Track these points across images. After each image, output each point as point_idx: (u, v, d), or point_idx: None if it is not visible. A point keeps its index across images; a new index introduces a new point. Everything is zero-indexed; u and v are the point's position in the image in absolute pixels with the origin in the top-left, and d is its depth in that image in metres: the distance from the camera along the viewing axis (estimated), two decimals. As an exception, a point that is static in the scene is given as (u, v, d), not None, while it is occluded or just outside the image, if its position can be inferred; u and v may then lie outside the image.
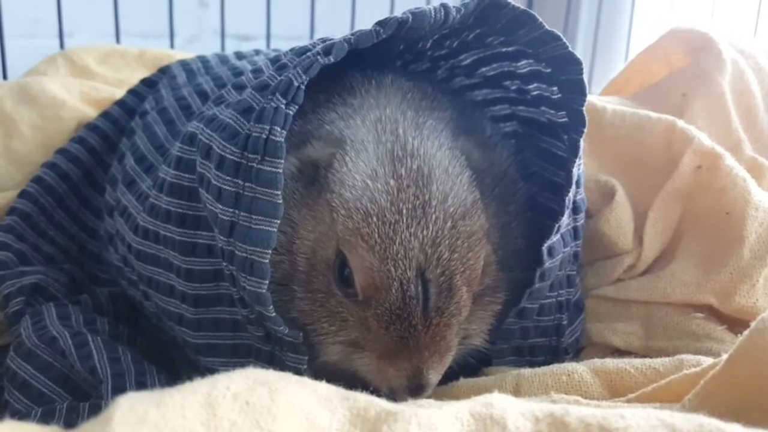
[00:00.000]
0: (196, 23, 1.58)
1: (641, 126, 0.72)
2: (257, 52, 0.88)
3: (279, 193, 0.53)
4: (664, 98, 0.79)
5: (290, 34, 1.56)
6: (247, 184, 0.54)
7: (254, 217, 0.53)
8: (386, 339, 0.55)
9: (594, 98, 0.76)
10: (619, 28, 1.50)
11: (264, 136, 0.53)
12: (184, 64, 0.86)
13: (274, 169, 0.53)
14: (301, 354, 0.56)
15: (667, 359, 0.56)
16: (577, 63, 0.59)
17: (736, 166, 0.66)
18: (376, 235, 0.54)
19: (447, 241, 0.55)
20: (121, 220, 0.69)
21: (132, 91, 0.90)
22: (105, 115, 0.89)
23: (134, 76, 1.00)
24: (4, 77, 1.12)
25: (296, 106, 0.54)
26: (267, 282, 0.53)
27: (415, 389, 0.55)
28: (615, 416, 0.40)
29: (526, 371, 0.58)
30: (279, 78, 0.55)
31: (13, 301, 0.72)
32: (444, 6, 0.56)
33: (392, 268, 0.53)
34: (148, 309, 0.68)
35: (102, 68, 1.03)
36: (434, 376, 0.56)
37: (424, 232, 0.54)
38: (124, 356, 0.64)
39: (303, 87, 0.54)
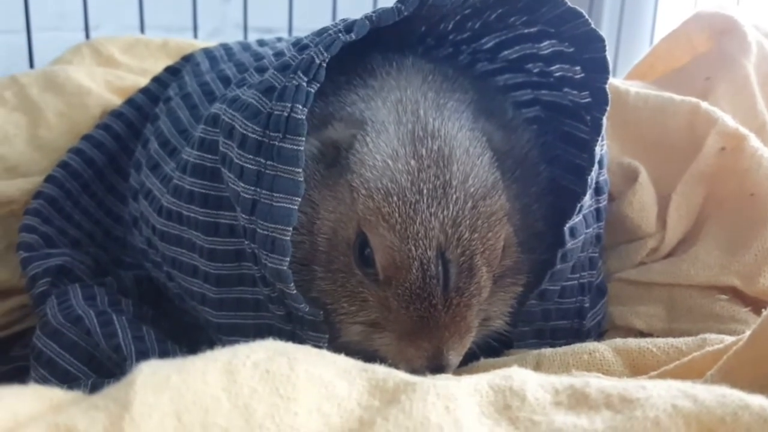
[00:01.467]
0: (219, 17, 1.59)
1: (665, 108, 0.71)
2: (279, 39, 0.89)
3: (300, 170, 0.53)
4: (687, 82, 0.78)
5: (312, 27, 1.55)
6: (269, 162, 0.54)
7: (275, 195, 0.54)
8: (406, 319, 0.55)
9: (617, 81, 0.76)
10: (643, 13, 1.49)
11: (285, 114, 0.54)
12: (207, 52, 0.87)
13: (295, 147, 0.53)
14: (322, 332, 0.57)
15: (690, 339, 0.56)
16: (601, 40, 0.59)
17: (760, 147, 0.65)
18: (397, 215, 0.54)
19: (467, 221, 0.54)
20: (145, 202, 0.70)
21: (156, 79, 0.90)
22: (129, 102, 0.90)
23: (158, 66, 1.01)
24: (31, 68, 1.14)
25: (317, 84, 0.54)
26: (288, 259, 0.53)
27: (435, 369, 0.54)
28: (636, 387, 0.40)
29: (547, 351, 0.58)
30: (300, 57, 0.56)
31: (40, 282, 0.73)
32: None
33: (413, 248, 0.53)
34: (171, 290, 0.69)
35: (126, 57, 1.04)
36: (455, 357, 0.56)
37: (445, 212, 0.54)
38: (148, 335, 0.65)
39: (324, 64, 0.54)
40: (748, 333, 0.47)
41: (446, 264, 0.54)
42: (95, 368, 0.65)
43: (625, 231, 0.70)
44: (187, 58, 0.89)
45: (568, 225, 0.59)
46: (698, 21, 0.83)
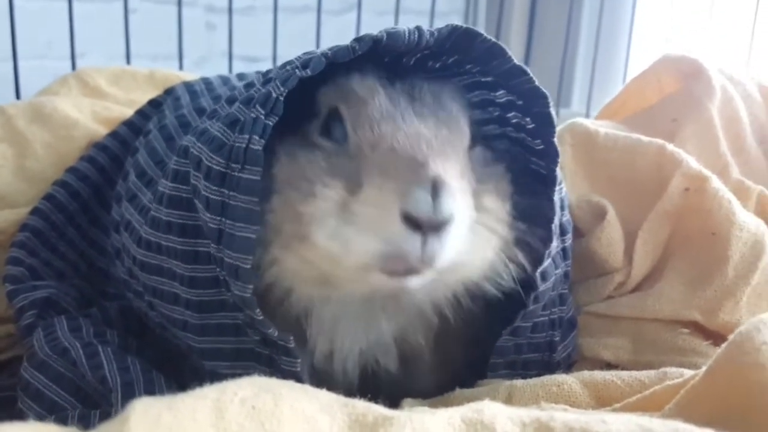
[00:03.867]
0: (205, 46, 1.63)
1: (633, 149, 0.75)
2: (259, 73, 0.91)
3: (257, 200, 0.55)
4: (656, 123, 0.82)
5: (295, 56, 1.61)
6: (231, 192, 0.56)
7: (237, 224, 0.56)
8: (383, 147, 0.54)
9: (587, 122, 0.79)
10: (617, 50, 1.54)
11: (244, 146, 0.56)
12: (188, 86, 0.88)
13: (253, 177, 0.55)
14: (293, 357, 0.58)
15: (652, 372, 0.59)
16: (544, 97, 0.61)
17: (721, 189, 0.69)
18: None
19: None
20: (125, 234, 0.72)
21: (139, 112, 0.93)
22: (113, 134, 0.92)
23: (144, 96, 1.03)
24: (17, 97, 1.15)
25: (276, 117, 0.56)
26: (251, 287, 0.55)
27: (434, 192, 0.50)
28: (597, 421, 0.43)
29: (519, 382, 0.61)
30: (263, 90, 0.58)
31: (26, 314, 0.74)
32: (418, 28, 0.59)
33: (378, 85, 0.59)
34: (153, 319, 0.70)
35: (113, 88, 1.07)
36: (451, 180, 0.51)
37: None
38: (133, 366, 0.67)
39: (281, 98, 0.56)
40: (703, 369, 0.50)
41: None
42: (82, 399, 0.66)
43: (593, 266, 0.74)
44: (169, 92, 0.91)
45: (539, 270, 0.62)
46: (667, 63, 0.87)
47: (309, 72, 0.56)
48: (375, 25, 1.66)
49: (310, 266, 0.56)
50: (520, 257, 0.60)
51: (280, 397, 0.43)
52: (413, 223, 0.50)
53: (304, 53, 0.60)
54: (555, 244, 0.63)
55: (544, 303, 0.65)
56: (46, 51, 1.37)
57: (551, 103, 0.61)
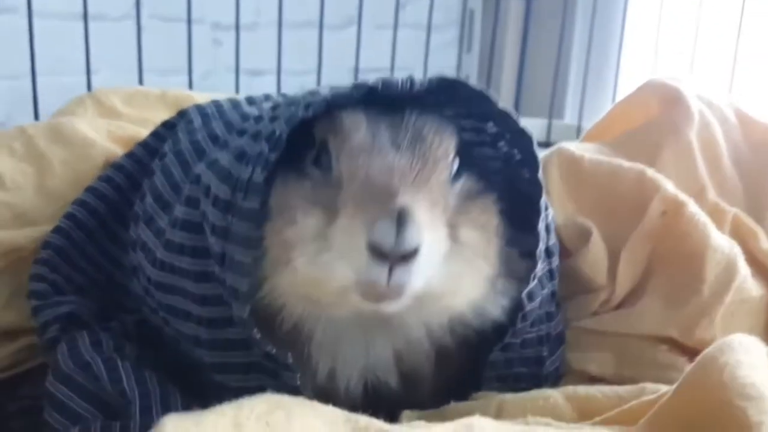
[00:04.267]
0: (211, 60, 1.68)
1: (615, 173, 0.80)
2: (267, 97, 0.94)
3: (255, 226, 0.60)
4: (639, 146, 0.87)
5: (298, 69, 1.66)
6: (233, 219, 0.61)
7: (237, 248, 0.61)
8: (359, 178, 0.58)
9: (573, 147, 0.84)
10: (607, 69, 1.60)
11: (247, 177, 0.61)
12: (200, 109, 0.92)
13: (253, 205, 0.60)
14: (292, 371, 0.63)
15: (631, 387, 0.64)
16: (529, 137, 0.66)
17: (697, 212, 0.74)
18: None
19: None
20: (141, 254, 0.77)
21: (154, 133, 0.96)
22: (129, 155, 0.96)
23: (156, 115, 1.09)
24: (35, 113, 1.21)
25: (277, 152, 0.61)
26: (248, 308, 0.60)
27: (399, 216, 0.53)
28: (573, 435, 0.48)
29: (509, 396, 0.66)
30: (269, 127, 0.63)
31: (50, 329, 0.79)
32: (410, 78, 0.64)
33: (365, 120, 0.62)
34: (168, 334, 0.75)
35: (127, 108, 1.11)
36: (418, 211, 0.54)
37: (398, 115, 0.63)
38: (150, 379, 0.72)
39: (284, 136, 0.61)
40: (674, 386, 0.55)
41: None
42: (103, 410, 0.71)
43: (580, 283, 0.79)
44: (182, 114, 0.94)
45: (525, 291, 0.66)
46: (650, 89, 0.92)
47: (310, 113, 0.62)
48: (374, 38, 1.72)
49: (297, 288, 0.60)
50: (507, 287, 0.65)
51: (291, 414, 0.48)
52: (379, 253, 0.53)
53: (309, 92, 0.66)
54: (540, 267, 0.69)
55: (532, 321, 0.70)
56: (60, 67, 1.42)
57: (535, 144, 0.66)
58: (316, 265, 0.57)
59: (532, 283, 0.67)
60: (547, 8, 1.78)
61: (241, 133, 0.70)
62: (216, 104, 0.93)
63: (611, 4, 1.67)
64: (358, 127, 0.62)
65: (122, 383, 0.70)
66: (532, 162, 0.67)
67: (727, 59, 1.33)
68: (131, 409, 0.68)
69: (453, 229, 0.60)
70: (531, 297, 0.68)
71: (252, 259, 0.60)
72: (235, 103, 0.93)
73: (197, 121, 0.89)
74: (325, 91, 0.64)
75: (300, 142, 0.63)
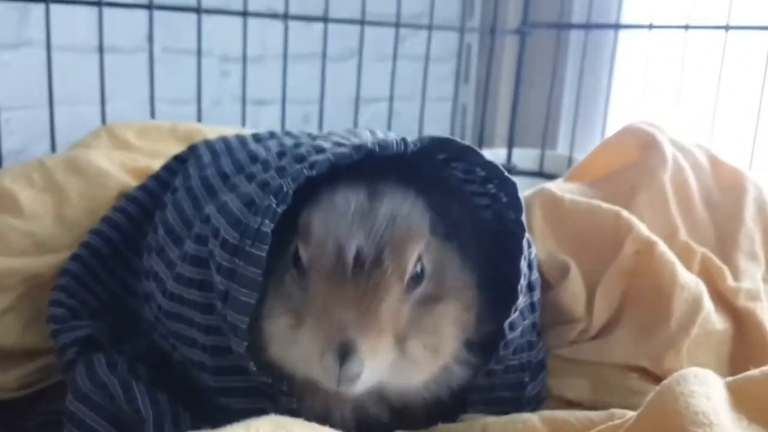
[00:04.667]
0: (219, 91, 1.74)
1: (593, 214, 0.87)
2: (272, 135, 0.99)
3: (260, 271, 0.66)
4: (617, 188, 0.93)
5: (303, 99, 1.73)
6: (240, 262, 0.67)
7: (242, 289, 0.67)
8: (320, 298, 0.64)
9: (555, 188, 0.91)
10: (597, 104, 1.67)
11: (256, 227, 0.67)
12: (209, 145, 0.97)
13: (260, 253, 0.66)
14: (289, 396, 0.70)
15: (602, 412, 0.70)
16: (514, 185, 0.73)
17: (666, 252, 0.81)
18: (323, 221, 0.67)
19: (382, 228, 0.66)
20: (153, 283, 0.82)
21: (165, 167, 1.02)
22: (142, 187, 1.01)
23: (167, 147, 1.15)
24: (53, 143, 1.27)
25: (284, 206, 0.68)
26: (246, 344, 0.66)
27: (342, 353, 0.60)
28: (542, 458, 0.54)
29: (492, 419, 0.71)
30: (277, 180, 0.70)
31: (68, 351, 0.84)
32: (404, 139, 0.71)
33: (330, 237, 0.66)
34: (176, 359, 0.80)
35: (140, 141, 1.18)
36: (364, 343, 0.61)
37: (366, 222, 0.66)
38: (162, 400, 0.77)
39: (291, 191, 0.68)
40: (636, 413, 0.61)
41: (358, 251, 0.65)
42: (119, 427, 0.76)
43: (559, 315, 0.85)
44: (192, 149, 1.00)
45: (507, 322, 0.72)
46: (628, 134, 0.99)
47: (314, 172, 0.69)
48: (375, 69, 1.79)
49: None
50: (470, 356, 0.73)
51: (293, 434, 0.55)
52: None
53: (314, 144, 0.72)
54: (522, 300, 0.75)
55: (514, 348, 0.76)
56: (76, 98, 1.49)
57: (519, 191, 0.73)
58: (287, 355, 0.67)
59: (514, 315, 0.73)
60: (540, 44, 1.85)
61: (250, 177, 0.76)
62: (224, 141, 0.99)
63: (601, 42, 1.75)
64: (322, 245, 0.66)
65: (137, 402, 0.75)
66: (516, 206, 0.74)
67: (711, 94, 1.39)
68: (145, 428, 0.74)
69: (401, 342, 0.65)
70: (512, 327, 0.74)
71: (254, 301, 0.67)
72: (242, 140, 0.98)
73: (206, 157, 0.95)
74: (329, 148, 0.71)
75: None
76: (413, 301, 0.67)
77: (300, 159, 0.72)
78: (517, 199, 0.73)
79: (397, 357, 0.65)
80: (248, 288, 0.67)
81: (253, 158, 0.86)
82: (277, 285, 0.69)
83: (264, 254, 0.67)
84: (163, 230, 0.86)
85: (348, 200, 0.68)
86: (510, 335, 0.74)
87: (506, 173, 0.73)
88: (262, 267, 0.67)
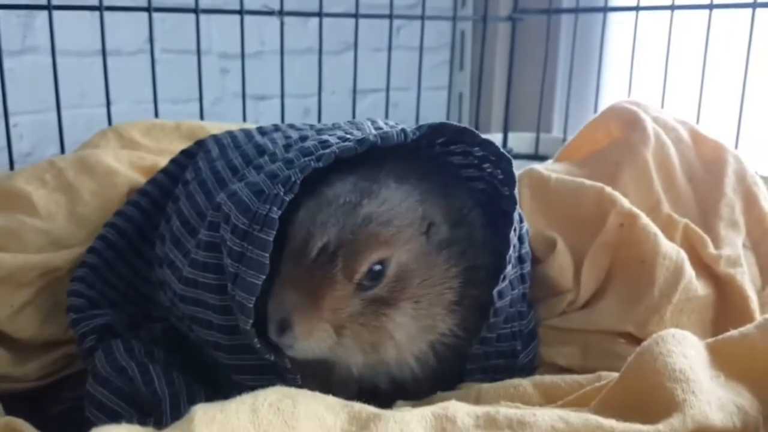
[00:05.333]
0: (220, 88, 1.78)
1: (578, 191, 0.91)
2: (276, 128, 1.02)
3: (267, 254, 0.71)
4: (602, 165, 0.98)
5: (301, 93, 1.77)
6: (249, 246, 0.72)
7: (249, 271, 0.71)
8: (280, 277, 0.72)
9: (542, 168, 0.96)
10: (589, 86, 1.70)
11: (264, 213, 0.72)
12: (216, 140, 1.01)
13: (267, 237, 0.71)
14: (293, 374, 0.74)
15: (590, 375, 0.74)
16: (509, 160, 0.78)
17: (648, 224, 0.85)
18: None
19: (347, 227, 0.72)
20: (168, 271, 0.86)
21: (174, 161, 1.06)
22: (152, 181, 1.05)
23: (172, 145, 1.19)
24: (61, 144, 1.32)
25: (292, 195, 0.73)
26: (251, 321, 0.71)
27: (279, 326, 0.71)
28: (529, 414, 0.59)
29: (486, 385, 0.76)
30: (285, 171, 0.74)
31: (88, 339, 0.88)
32: (404, 129, 0.76)
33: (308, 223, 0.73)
34: (192, 340, 0.84)
35: (145, 140, 1.22)
36: (299, 322, 0.71)
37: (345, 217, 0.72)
38: (177, 380, 0.81)
39: (299, 181, 0.73)
40: (618, 374, 0.66)
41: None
42: (137, 408, 0.80)
43: (549, 287, 0.89)
44: (200, 144, 1.04)
45: (495, 290, 0.77)
46: (613, 113, 1.03)
47: (321, 164, 0.73)
48: (371, 60, 1.82)
49: None
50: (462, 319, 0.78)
51: (297, 401, 0.59)
52: None
53: (320, 140, 0.77)
54: (510, 270, 0.79)
55: (505, 318, 0.80)
56: (81, 101, 1.53)
57: (513, 165, 0.77)
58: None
59: (502, 284, 0.77)
60: (532, 29, 1.88)
61: (258, 168, 0.80)
62: (231, 135, 1.02)
63: (591, 25, 1.78)
64: (299, 230, 0.73)
65: (154, 384, 0.80)
66: (510, 181, 0.79)
67: (698, 72, 1.43)
68: (162, 407, 0.78)
69: (339, 331, 0.73)
70: (501, 295, 0.78)
71: (260, 282, 0.71)
72: (248, 134, 1.01)
73: (215, 151, 0.99)
74: (335, 142, 0.75)
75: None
76: (364, 299, 0.73)
77: (307, 153, 0.76)
78: (512, 174, 0.78)
79: (334, 343, 0.73)
80: (255, 270, 0.71)
81: (261, 151, 0.90)
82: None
83: (271, 239, 0.71)
84: (178, 221, 0.90)
85: (337, 194, 0.74)
86: (499, 303, 0.78)
87: (501, 149, 0.77)
88: (269, 250, 0.71)
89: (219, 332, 0.78)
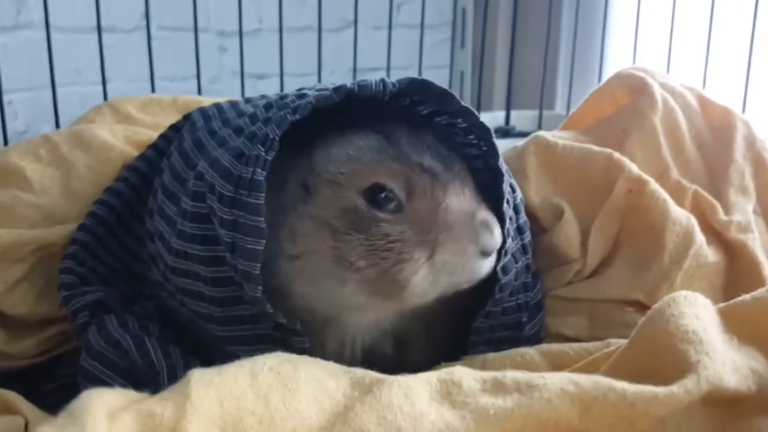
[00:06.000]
0: (217, 66, 1.76)
1: (585, 157, 0.88)
2: (263, 96, 0.97)
3: (262, 218, 0.69)
4: (608, 132, 0.95)
5: (299, 72, 1.74)
6: (240, 213, 0.69)
7: (247, 238, 0.69)
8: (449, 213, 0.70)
9: (548, 135, 0.93)
10: (592, 62, 1.67)
11: (249, 176, 0.69)
12: (202, 111, 0.97)
13: (257, 201, 0.69)
14: (302, 336, 0.72)
15: (598, 342, 0.72)
16: (488, 131, 0.76)
17: (658, 189, 0.83)
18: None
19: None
20: (159, 243, 0.84)
21: (162, 136, 1.03)
22: (141, 157, 1.03)
23: (168, 120, 1.15)
24: (56, 122, 1.30)
25: (273, 153, 0.70)
26: (260, 287, 0.69)
27: (486, 226, 0.69)
28: (537, 377, 0.57)
29: (491, 355, 0.74)
30: (263, 130, 0.72)
31: (80, 315, 0.86)
32: (383, 80, 0.73)
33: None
34: (184, 314, 0.82)
35: (141, 114, 1.19)
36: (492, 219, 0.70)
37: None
38: (174, 352, 0.79)
39: (277, 138, 0.70)
40: (630, 337, 0.64)
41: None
42: (133, 381, 0.78)
43: (555, 257, 0.87)
44: (187, 117, 1.00)
45: (499, 266, 0.74)
46: (619, 79, 1.01)
47: (297, 116, 0.71)
48: (371, 39, 1.79)
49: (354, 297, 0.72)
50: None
51: (298, 366, 0.57)
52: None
53: (298, 93, 0.74)
54: (512, 244, 0.77)
55: (510, 291, 0.79)
56: (76, 78, 1.51)
57: (494, 136, 0.75)
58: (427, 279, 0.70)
59: (505, 259, 0.75)
60: (534, 6, 1.86)
61: (238, 130, 0.77)
62: (217, 106, 0.99)
63: (594, 0, 1.76)
64: (415, 178, 0.71)
65: (150, 356, 0.78)
66: (494, 152, 0.76)
67: (702, 46, 1.40)
68: (159, 378, 0.77)
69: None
70: (505, 270, 0.76)
71: (261, 247, 0.69)
72: (234, 104, 0.99)
73: (199, 122, 0.95)
74: (310, 93, 0.73)
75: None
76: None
77: (283, 107, 0.73)
78: (493, 145, 0.75)
79: None
80: (253, 236, 0.69)
81: (240, 114, 0.87)
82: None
83: (261, 202, 0.69)
84: (161, 192, 0.87)
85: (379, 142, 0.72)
86: (504, 278, 0.76)
87: (480, 120, 0.75)
88: (263, 214, 0.69)
89: (211, 303, 0.76)
